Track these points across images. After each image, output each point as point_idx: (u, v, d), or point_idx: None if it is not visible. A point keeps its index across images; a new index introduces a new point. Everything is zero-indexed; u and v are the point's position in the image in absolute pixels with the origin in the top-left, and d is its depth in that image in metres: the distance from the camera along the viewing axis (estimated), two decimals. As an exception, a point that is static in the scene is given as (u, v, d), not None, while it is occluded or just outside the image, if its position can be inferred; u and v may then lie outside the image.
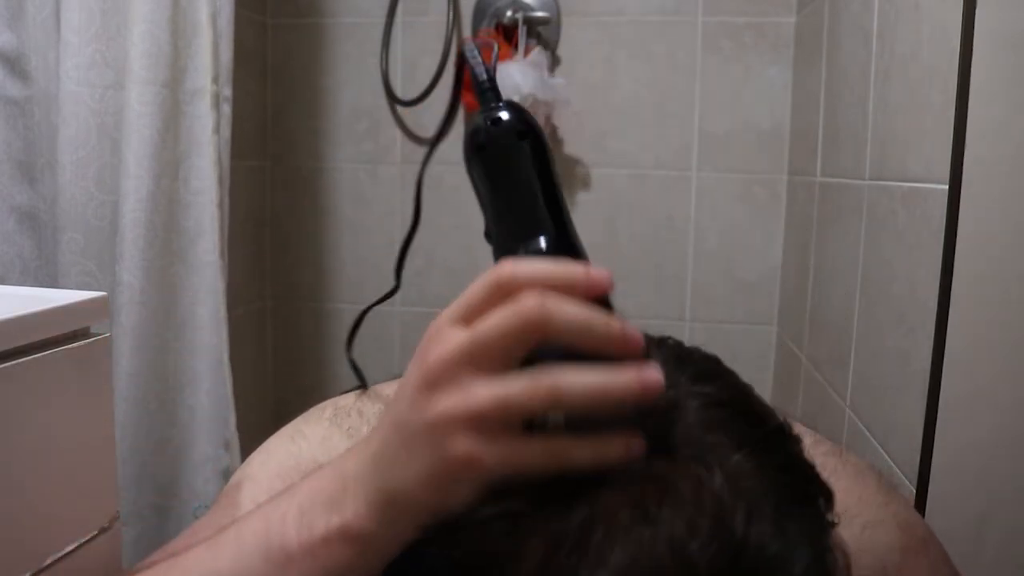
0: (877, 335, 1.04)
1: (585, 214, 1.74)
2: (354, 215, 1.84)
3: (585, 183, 1.76)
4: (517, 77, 1.55)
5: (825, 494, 0.45)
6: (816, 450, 0.67)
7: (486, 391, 0.38)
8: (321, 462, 0.61)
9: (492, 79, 0.48)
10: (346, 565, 0.42)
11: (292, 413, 0.72)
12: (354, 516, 0.42)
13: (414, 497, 0.40)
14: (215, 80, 1.31)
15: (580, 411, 0.39)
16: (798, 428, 0.71)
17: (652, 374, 0.37)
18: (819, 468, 0.65)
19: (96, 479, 0.78)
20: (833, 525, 0.45)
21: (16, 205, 1.33)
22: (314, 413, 0.69)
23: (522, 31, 1.64)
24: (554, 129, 1.72)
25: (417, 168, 0.59)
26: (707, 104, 1.71)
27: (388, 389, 0.71)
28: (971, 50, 0.79)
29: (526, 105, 1.55)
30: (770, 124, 1.69)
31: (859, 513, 0.63)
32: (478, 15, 1.74)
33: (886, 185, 1.03)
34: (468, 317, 0.39)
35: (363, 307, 0.73)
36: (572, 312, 0.37)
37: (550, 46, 1.71)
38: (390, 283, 0.69)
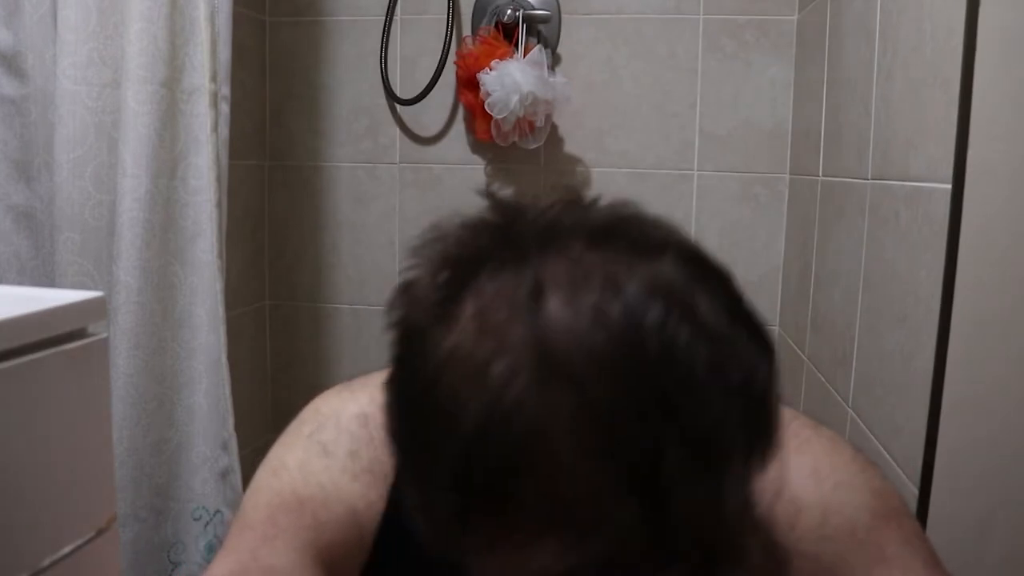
0: (879, 335, 1.04)
1: (585, 214, 1.74)
2: (353, 215, 1.84)
3: (585, 182, 1.76)
4: (517, 76, 1.55)
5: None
6: (791, 424, 0.66)
7: None
8: (301, 494, 0.64)
9: None
10: None
11: (291, 414, 0.72)
12: None
13: None
14: (213, 79, 1.31)
15: None
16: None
17: None
18: (792, 437, 0.65)
19: (93, 480, 0.78)
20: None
21: (13, 204, 1.33)
22: (294, 428, 0.70)
23: (522, 29, 1.64)
24: (554, 128, 1.72)
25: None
26: (708, 103, 1.71)
27: (372, 381, 0.70)
28: (974, 48, 0.79)
29: (526, 104, 1.55)
30: (772, 123, 1.69)
31: (831, 475, 0.62)
32: (478, 13, 1.74)
33: (888, 184, 1.03)
34: None
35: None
36: None
37: (550, 44, 1.71)
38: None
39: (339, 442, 0.67)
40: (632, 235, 0.46)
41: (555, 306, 0.42)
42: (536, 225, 0.47)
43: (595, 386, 0.41)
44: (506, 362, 0.41)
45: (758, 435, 0.45)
